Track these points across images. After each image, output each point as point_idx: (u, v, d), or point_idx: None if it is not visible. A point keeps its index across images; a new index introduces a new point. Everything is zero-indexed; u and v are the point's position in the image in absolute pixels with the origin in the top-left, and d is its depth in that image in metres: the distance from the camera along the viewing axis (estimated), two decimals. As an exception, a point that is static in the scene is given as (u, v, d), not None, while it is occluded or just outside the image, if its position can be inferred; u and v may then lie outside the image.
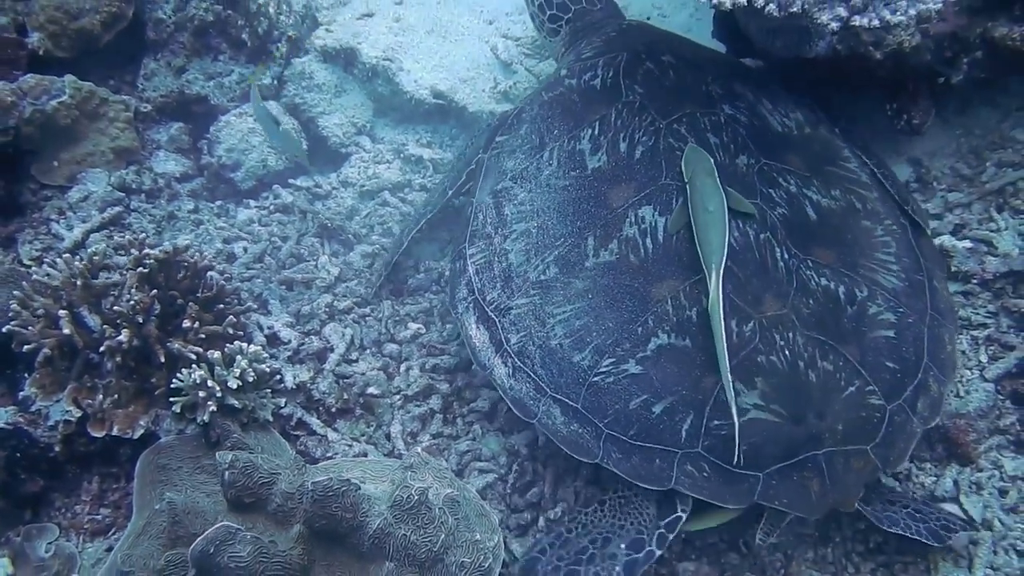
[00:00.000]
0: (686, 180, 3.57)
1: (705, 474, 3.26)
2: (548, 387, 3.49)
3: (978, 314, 4.01)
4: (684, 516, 3.33)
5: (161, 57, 5.07)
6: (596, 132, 3.88)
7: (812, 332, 3.38)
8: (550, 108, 4.10)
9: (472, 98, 5.15)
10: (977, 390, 3.79)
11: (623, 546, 3.34)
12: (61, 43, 4.77)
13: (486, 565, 3.10)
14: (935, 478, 3.69)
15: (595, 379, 3.41)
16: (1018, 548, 3.46)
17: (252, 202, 4.81)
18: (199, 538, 2.88)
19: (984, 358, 3.90)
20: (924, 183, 4.43)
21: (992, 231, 4.16)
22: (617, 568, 3.29)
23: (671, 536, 3.32)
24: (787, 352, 3.31)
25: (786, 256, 3.51)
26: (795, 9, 3.03)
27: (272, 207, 4.75)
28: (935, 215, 4.32)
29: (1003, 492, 3.62)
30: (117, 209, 4.54)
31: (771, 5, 3.03)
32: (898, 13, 2.97)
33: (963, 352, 3.93)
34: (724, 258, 3.30)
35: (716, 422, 3.26)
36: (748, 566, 3.53)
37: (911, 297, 3.61)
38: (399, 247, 4.38)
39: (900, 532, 3.34)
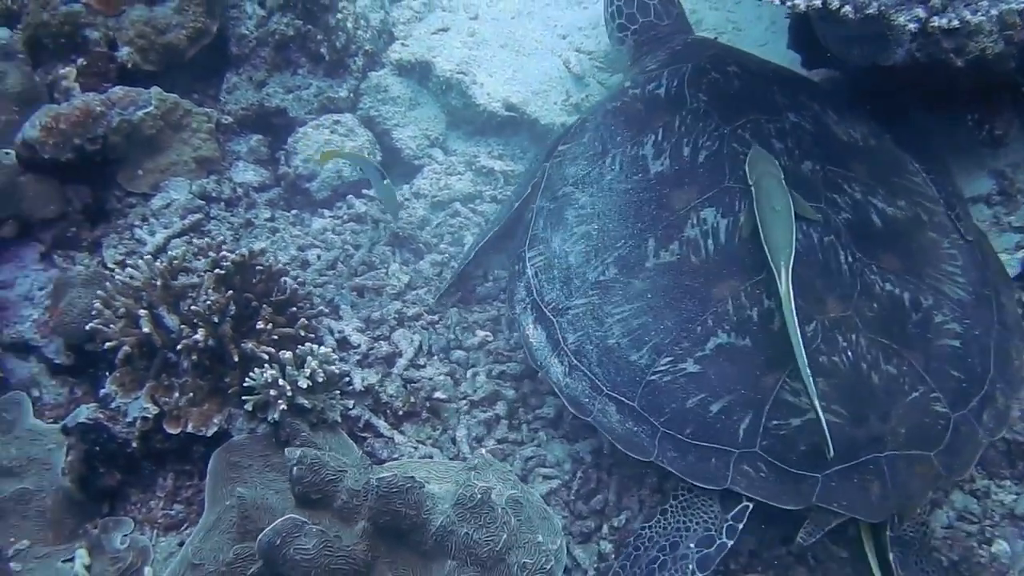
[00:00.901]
0: (750, 182, 3.55)
1: (762, 474, 3.24)
2: (604, 385, 3.51)
3: (1062, 327, 3.89)
4: (751, 505, 3.30)
5: (243, 71, 5.21)
6: (659, 138, 3.90)
7: (876, 335, 3.34)
8: (613, 117, 4.15)
9: (544, 111, 5.18)
10: (1063, 407, 3.68)
11: (692, 545, 3.34)
12: (149, 57, 4.94)
13: (548, 567, 3.10)
14: (1015, 496, 3.58)
15: (652, 377, 3.42)
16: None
17: (327, 211, 4.90)
18: (266, 529, 2.94)
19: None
20: (1008, 195, 4.32)
21: (1079, 245, 4.05)
22: (691, 566, 3.30)
23: (740, 526, 3.30)
24: (849, 353, 3.28)
25: (850, 259, 3.48)
26: (871, 11, 2.99)
27: (346, 216, 4.83)
28: (1018, 228, 4.21)
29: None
30: (197, 216, 4.67)
31: (846, 7, 3.00)
32: (979, 13, 2.92)
33: (1047, 366, 3.81)
34: (792, 256, 3.28)
35: (775, 422, 3.24)
36: (815, 580, 3.47)
37: (977, 310, 3.55)
38: (467, 258, 4.44)
39: None
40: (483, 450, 3.63)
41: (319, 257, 4.60)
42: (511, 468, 3.70)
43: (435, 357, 4.22)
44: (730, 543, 3.30)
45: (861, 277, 3.45)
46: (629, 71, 4.78)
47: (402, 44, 5.36)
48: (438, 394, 4.00)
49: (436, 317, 4.36)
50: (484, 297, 4.46)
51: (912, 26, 2.98)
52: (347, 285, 4.44)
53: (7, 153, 4.44)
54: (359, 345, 4.13)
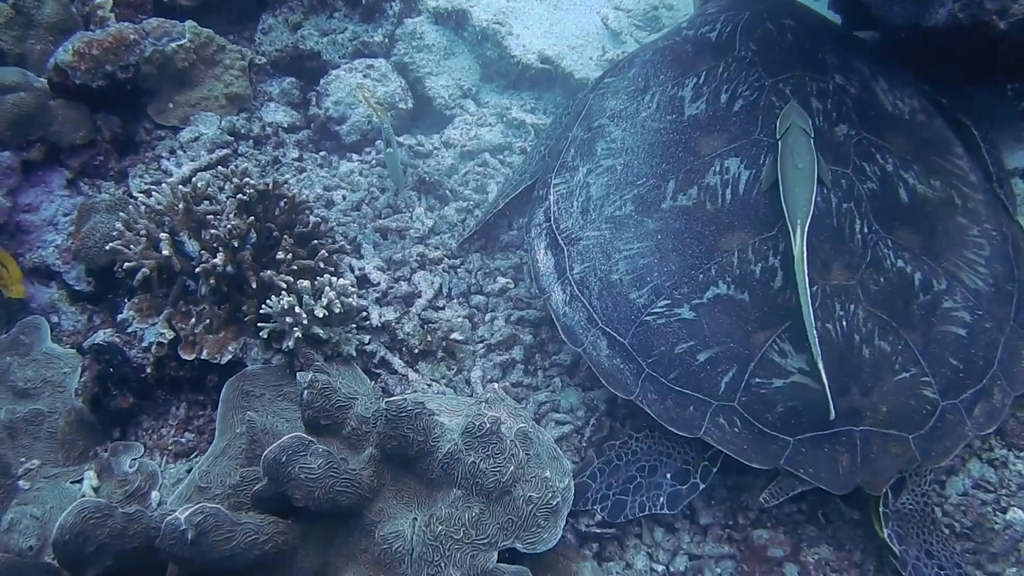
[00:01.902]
0: (778, 137, 3.49)
1: (736, 429, 3.22)
2: (600, 319, 3.51)
3: (1093, 304, 3.80)
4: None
5: (279, 13, 5.20)
6: (700, 81, 3.85)
7: (876, 309, 3.27)
8: (662, 55, 4.09)
9: (579, 65, 5.13)
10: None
11: (668, 475, 3.38)
12: (186, -9, 4.96)
13: (554, 503, 3.05)
14: (1036, 465, 3.51)
15: (647, 318, 3.40)
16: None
17: (355, 155, 4.88)
18: (272, 446, 2.90)
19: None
20: (1045, 170, 4.24)
21: (1117, 220, 3.95)
22: (661, 499, 3.36)
23: (715, 469, 3.34)
24: (844, 323, 3.23)
25: (865, 230, 3.40)
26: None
27: (374, 160, 4.80)
28: (1055, 204, 4.12)
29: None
30: (225, 151, 4.67)
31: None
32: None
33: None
34: (810, 215, 3.23)
35: (757, 380, 3.21)
36: (826, 538, 3.41)
37: (994, 303, 3.44)
38: (495, 206, 4.40)
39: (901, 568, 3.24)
40: (496, 384, 3.60)
41: (344, 198, 4.58)
42: (526, 411, 3.67)
43: (455, 300, 4.19)
44: (702, 485, 3.35)
45: (873, 249, 3.38)
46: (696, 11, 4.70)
47: (440, -9, 5.34)
48: (455, 335, 3.98)
49: (458, 261, 4.33)
50: (507, 245, 4.43)
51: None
52: (370, 226, 4.41)
53: (38, 79, 4.45)
54: (379, 283, 4.11)
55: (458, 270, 4.30)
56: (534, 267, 3.83)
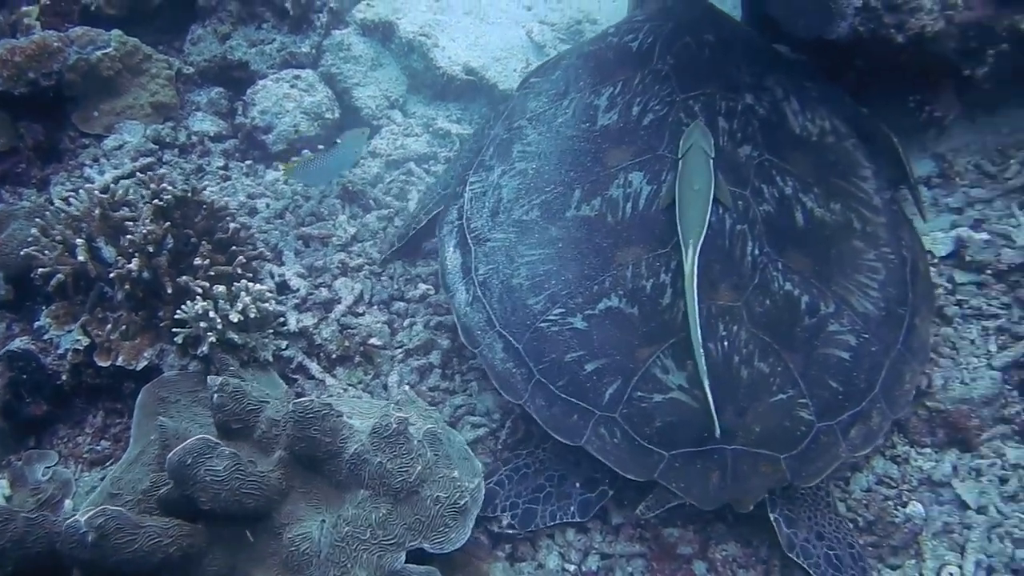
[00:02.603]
0: (681, 154, 3.57)
1: (616, 440, 3.28)
2: (498, 322, 3.56)
3: (991, 305, 3.92)
4: None
5: (209, 24, 5.23)
6: (616, 91, 3.91)
7: (759, 331, 3.33)
8: (585, 60, 4.15)
9: (503, 77, 5.20)
10: (983, 378, 3.69)
11: (578, 484, 3.43)
12: (113, 1, 4.96)
13: (462, 503, 3.09)
14: (934, 462, 3.60)
15: (542, 324, 3.45)
16: (1015, 536, 3.35)
17: (281, 165, 4.90)
18: (177, 448, 2.91)
19: (993, 348, 3.81)
20: (947, 178, 4.36)
21: (1012, 226, 4.07)
22: (572, 508, 3.39)
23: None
24: (726, 343, 3.29)
25: (756, 252, 3.46)
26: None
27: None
28: (955, 209, 4.24)
29: (1003, 480, 3.52)
30: (149, 160, 4.69)
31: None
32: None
33: (972, 341, 3.85)
34: (703, 236, 3.31)
35: (640, 393, 3.27)
36: (734, 535, 3.48)
37: (883, 327, 3.50)
38: (417, 221, 4.37)
39: (804, 564, 3.28)
40: (407, 387, 3.64)
41: (268, 206, 4.60)
42: (440, 414, 3.71)
43: (375, 307, 4.23)
44: (611, 492, 3.41)
45: (762, 271, 3.44)
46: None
47: (367, 4, 5.40)
48: (373, 340, 4.01)
49: (380, 268, 4.36)
50: (430, 252, 4.46)
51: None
52: (293, 233, 4.44)
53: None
54: (298, 289, 4.14)
55: (380, 276, 4.34)
56: (442, 264, 3.87)
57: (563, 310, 3.44)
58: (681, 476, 3.22)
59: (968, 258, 4.00)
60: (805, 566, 3.28)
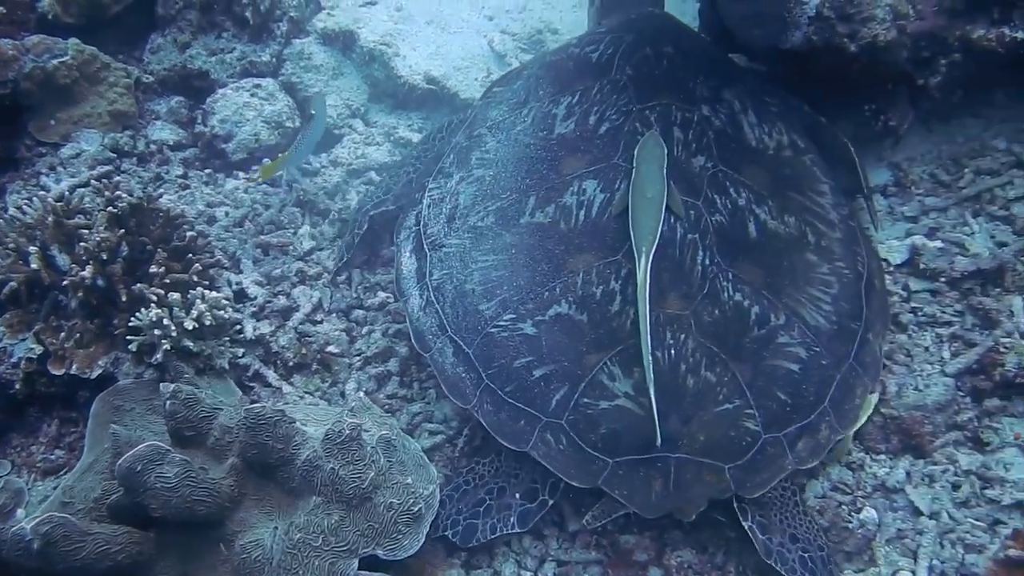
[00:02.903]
0: (635, 163, 3.59)
1: (561, 446, 3.29)
2: (450, 326, 3.57)
3: (945, 312, 3.96)
4: None
5: (168, 33, 5.21)
6: (574, 101, 3.94)
7: (707, 340, 3.35)
8: (547, 70, 4.18)
9: (464, 86, 5.22)
10: (936, 384, 3.72)
11: (518, 495, 3.43)
12: (70, 9, 4.94)
13: (415, 509, 3.09)
14: (888, 469, 3.62)
15: (492, 330, 3.47)
16: (967, 542, 3.39)
17: (241, 173, 4.88)
18: (127, 454, 2.89)
19: (947, 354, 3.84)
20: (902, 187, 4.41)
21: (966, 234, 4.13)
22: (512, 519, 3.38)
23: (562, 485, 3.36)
24: (672, 352, 3.30)
25: (707, 262, 3.48)
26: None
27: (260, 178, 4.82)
28: (911, 218, 4.30)
29: (956, 486, 3.55)
30: (107, 168, 4.65)
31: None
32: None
33: (926, 348, 3.88)
34: (655, 244, 3.33)
35: (586, 400, 3.29)
36: (690, 542, 3.49)
37: (835, 341, 3.51)
38: (359, 226, 4.36)
39: (781, 569, 3.28)
40: (362, 393, 3.63)
41: (227, 214, 4.58)
42: (397, 421, 3.70)
43: (334, 315, 4.22)
44: (551, 501, 3.40)
45: (712, 281, 3.46)
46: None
47: (328, 14, 5.41)
48: (331, 348, 4.00)
49: (340, 276, 4.36)
50: (390, 260, 4.44)
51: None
52: (252, 241, 4.43)
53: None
54: (256, 297, 4.13)
55: (340, 284, 4.33)
56: (397, 269, 3.88)
57: (514, 316, 3.45)
58: (624, 483, 3.23)
59: (922, 266, 4.04)
60: (783, 572, 3.28)
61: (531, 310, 3.45)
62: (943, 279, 4.01)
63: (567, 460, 3.28)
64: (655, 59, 4.05)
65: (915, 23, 3.89)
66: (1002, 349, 3.73)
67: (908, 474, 3.61)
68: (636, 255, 3.33)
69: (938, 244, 4.09)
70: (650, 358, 3.16)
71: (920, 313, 4.00)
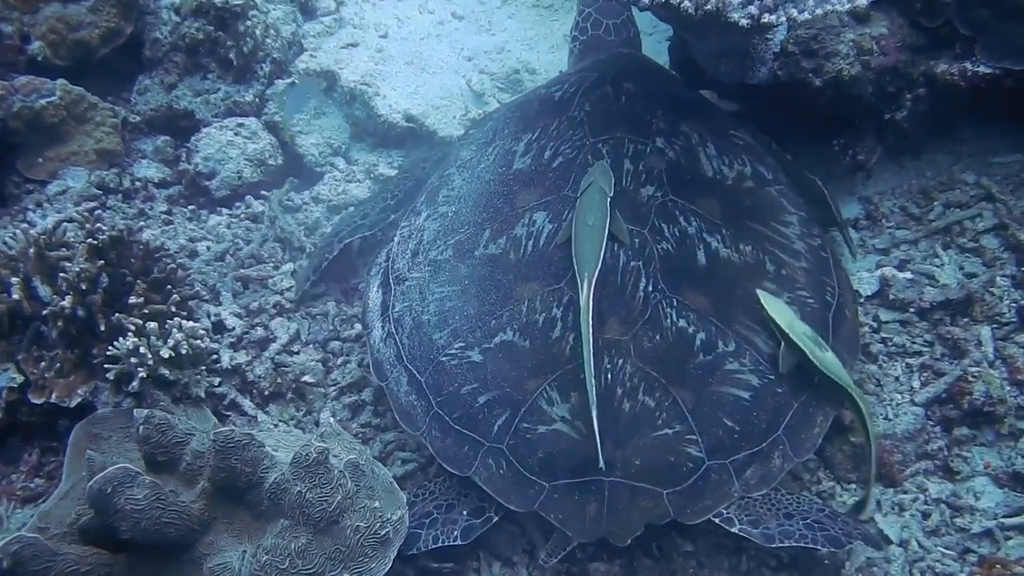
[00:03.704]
0: (580, 192, 3.67)
1: (501, 471, 3.36)
2: (406, 356, 3.67)
3: (915, 343, 4.02)
4: None
5: (155, 75, 5.33)
6: (533, 137, 4.05)
7: (646, 366, 3.38)
8: (514, 111, 4.32)
9: (443, 124, 5.32)
10: (906, 414, 3.80)
11: (465, 512, 3.46)
12: (59, 52, 5.06)
13: (383, 533, 3.12)
14: (858, 498, 3.65)
15: (443, 358, 3.55)
16: (936, 570, 3.42)
17: (224, 210, 4.97)
18: (97, 476, 2.93)
19: (916, 384, 3.90)
20: (873, 220, 4.50)
21: (936, 266, 4.20)
22: (455, 532, 3.40)
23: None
24: (609, 376, 3.35)
25: (650, 288, 3.52)
26: (709, 7, 3.15)
27: (243, 215, 4.91)
28: (881, 250, 4.39)
29: (925, 515, 3.59)
30: (92, 204, 4.73)
31: (686, 3, 3.16)
32: (805, 12, 3.09)
33: (896, 378, 3.95)
34: (597, 270, 3.39)
35: (525, 424, 3.35)
36: (660, 570, 3.51)
37: (795, 369, 3.49)
38: (331, 249, 4.46)
39: (793, 544, 3.24)
40: (327, 416, 3.67)
41: (208, 248, 4.67)
42: (369, 448, 3.73)
43: (311, 346, 4.28)
44: (496, 518, 3.42)
45: (655, 307, 3.50)
46: None
47: (310, 55, 5.56)
48: (306, 378, 4.07)
49: (317, 310, 4.42)
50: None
51: (744, 22, 3.12)
52: (231, 275, 4.50)
53: None
54: (234, 328, 4.19)
55: (316, 316, 4.39)
56: (364, 303, 3.99)
57: (463, 344, 3.54)
58: (559, 507, 3.27)
59: (892, 296, 4.12)
60: (797, 544, 3.24)
61: (479, 338, 3.53)
62: (912, 309, 4.08)
63: (507, 484, 3.34)
64: (614, 95, 4.14)
65: (879, 58, 4.01)
66: (971, 378, 3.80)
67: (879, 503, 3.64)
68: (579, 281, 3.39)
69: (908, 275, 4.17)
70: (593, 382, 3.20)
71: (890, 343, 4.07)
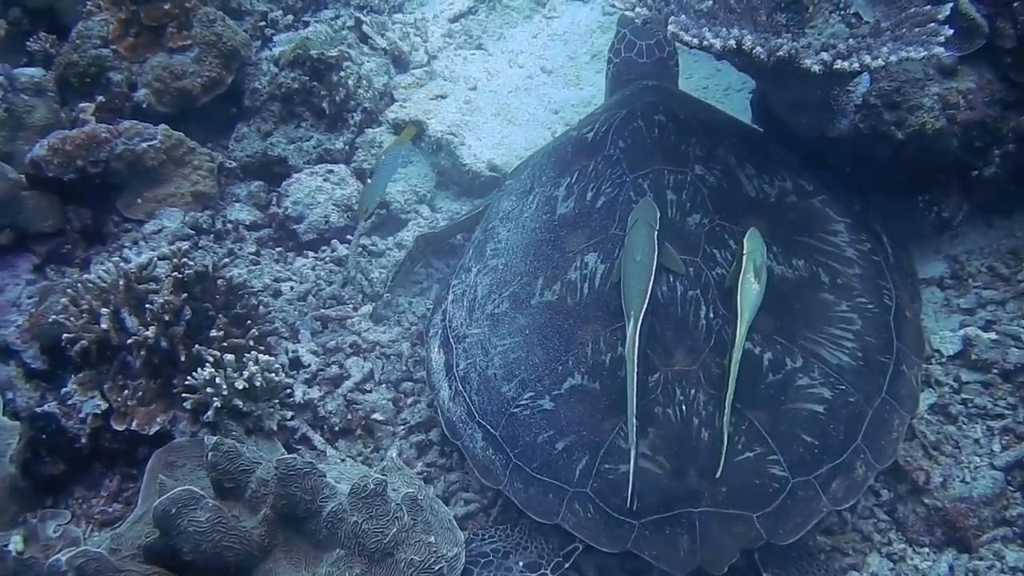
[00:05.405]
0: (628, 230, 3.67)
1: (589, 515, 3.33)
2: (477, 412, 3.68)
3: (997, 405, 3.87)
4: (580, 547, 3.41)
5: (253, 123, 5.55)
6: (573, 181, 4.08)
7: (718, 392, 3.36)
8: (548, 157, 4.36)
9: (525, 174, 5.39)
10: (984, 477, 3.63)
11: (521, 564, 3.48)
12: (163, 99, 5.33)
13: (436, 568, 3.13)
14: (931, 562, 3.53)
15: (515, 410, 3.56)
16: (1010, 639, 3.27)
17: (311, 253, 5.10)
18: (163, 497, 3.02)
19: (997, 447, 3.75)
20: (959, 279, 4.35)
21: (1023, 327, 4.05)
22: None
23: (567, 565, 3.43)
24: (684, 407, 3.34)
25: (711, 315, 3.53)
26: (782, 53, 3.15)
27: (328, 258, 5.03)
28: (967, 310, 4.24)
29: (1001, 582, 3.44)
30: (185, 244, 4.91)
31: (758, 48, 3.17)
32: (879, 59, 3.06)
33: (975, 440, 3.80)
34: (644, 307, 3.37)
35: (607, 465, 3.34)
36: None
37: (862, 377, 3.50)
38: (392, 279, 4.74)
39: None
40: (394, 453, 3.71)
41: (292, 288, 4.79)
42: (430, 486, 3.77)
43: (383, 385, 4.34)
44: None
45: (718, 334, 3.49)
46: None
47: (400, 105, 5.72)
48: (376, 415, 4.12)
49: (391, 350, 4.49)
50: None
51: (817, 68, 3.11)
52: (312, 314, 4.61)
53: (12, 171, 4.81)
54: (310, 365, 4.29)
55: (390, 356, 4.45)
56: (427, 365, 4.05)
57: (532, 393, 3.56)
58: (652, 544, 3.24)
59: (974, 356, 3.97)
60: None
61: (548, 386, 3.54)
62: (996, 371, 3.93)
63: (596, 527, 3.31)
64: (646, 129, 4.13)
65: (965, 113, 3.92)
66: (1056, 444, 3.64)
67: (951, 568, 3.51)
68: (626, 317, 3.38)
69: (992, 336, 4.01)
70: (635, 420, 3.20)
71: (971, 404, 3.91)
